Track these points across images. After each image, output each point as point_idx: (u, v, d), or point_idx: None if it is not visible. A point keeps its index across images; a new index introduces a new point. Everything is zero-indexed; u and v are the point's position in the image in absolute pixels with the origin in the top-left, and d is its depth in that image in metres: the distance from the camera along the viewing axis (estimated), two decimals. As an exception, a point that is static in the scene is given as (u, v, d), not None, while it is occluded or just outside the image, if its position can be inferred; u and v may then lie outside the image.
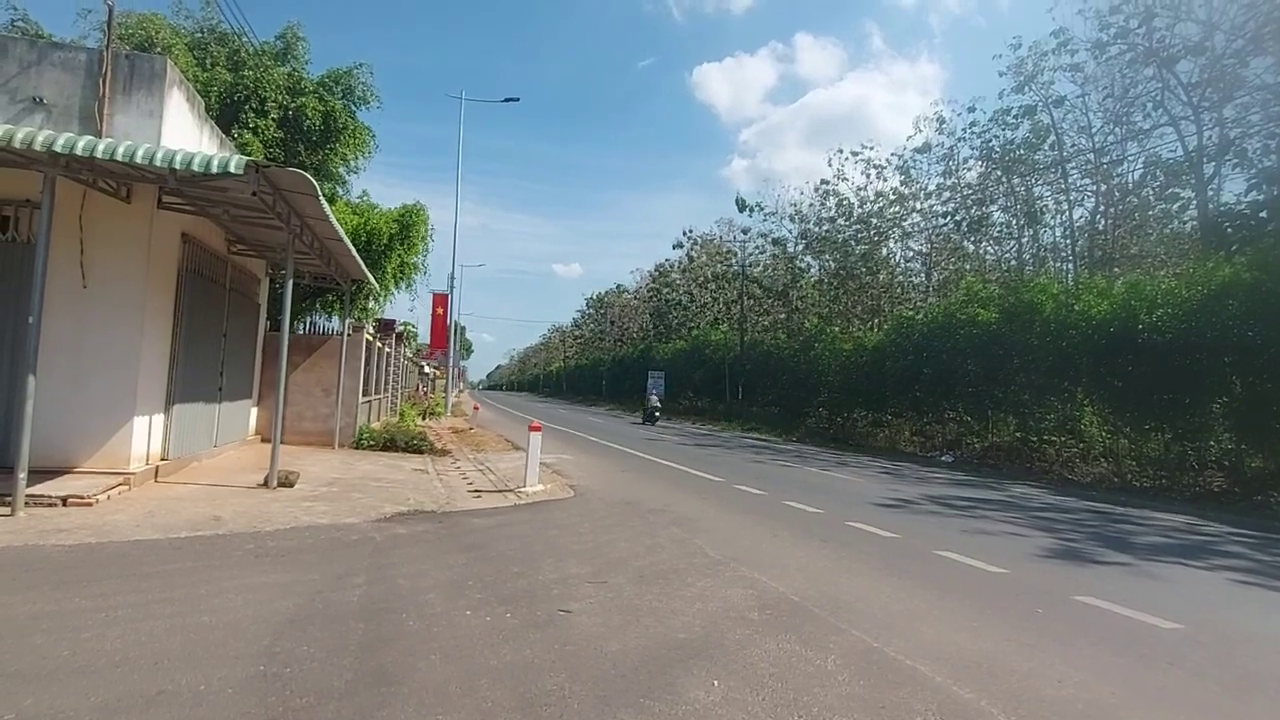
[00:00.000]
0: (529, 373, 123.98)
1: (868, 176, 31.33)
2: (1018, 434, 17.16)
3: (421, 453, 12.45)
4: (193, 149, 6.43)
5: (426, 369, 40.53)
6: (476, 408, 31.81)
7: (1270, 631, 4.70)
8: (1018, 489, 12.46)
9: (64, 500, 5.91)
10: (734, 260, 39.39)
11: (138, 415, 7.15)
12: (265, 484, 7.59)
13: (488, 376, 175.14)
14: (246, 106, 13.55)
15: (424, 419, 22.28)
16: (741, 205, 34.63)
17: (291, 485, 7.74)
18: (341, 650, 3.26)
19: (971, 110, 27.23)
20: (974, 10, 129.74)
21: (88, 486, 6.26)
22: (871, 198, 31.01)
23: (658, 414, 28.60)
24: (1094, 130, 23.92)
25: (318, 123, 14.24)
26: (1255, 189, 17.05)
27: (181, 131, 7.68)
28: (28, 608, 3.58)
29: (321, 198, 6.75)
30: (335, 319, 16.52)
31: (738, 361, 33.58)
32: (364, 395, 14.19)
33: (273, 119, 13.74)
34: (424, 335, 31.77)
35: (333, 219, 7.65)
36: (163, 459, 7.83)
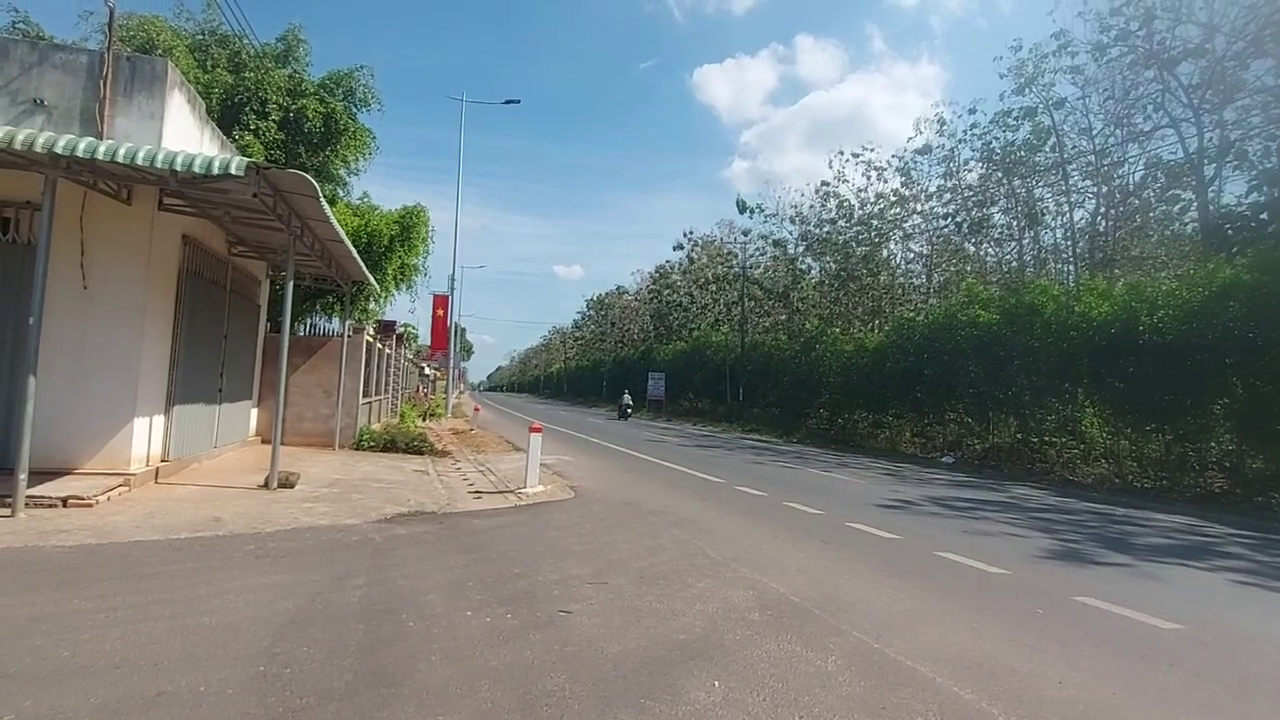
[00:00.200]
0: (529, 374, 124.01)
1: (868, 178, 31.39)
2: (1019, 435, 17.15)
3: (422, 454, 12.45)
4: (194, 151, 6.45)
5: (427, 370, 40.56)
6: (477, 409, 31.79)
7: (1271, 632, 4.69)
8: (1018, 490, 12.44)
9: (64, 501, 5.91)
10: (735, 262, 39.44)
11: (138, 416, 7.16)
12: (265, 485, 7.59)
13: (488, 378, 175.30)
14: (247, 108, 13.58)
15: (424, 420, 22.29)
16: (742, 207, 34.68)
17: (292, 486, 7.74)
18: (342, 651, 3.25)
19: (972, 112, 27.29)
20: (975, 12, 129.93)
21: (88, 487, 6.26)
22: (872, 199, 31.04)
23: (629, 410, 33.58)
24: (1095, 132, 23.94)
25: (318, 124, 14.26)
26: (1256, 191, 17.05)
27: (182, 133, 7.70)
28: (28, 609, 3.57)
29: (322, 199, 6.76)
30: (336, 320, 16.53)
31: (738, 363, 33.57)
32: (364, 396, 14.19)
33: (273, 121, 13.76)
34: (424, 337, 31.83)
35: (333, 220, 7.66)
36: (163, 460, 7.83)
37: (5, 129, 5.43)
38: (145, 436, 7.40)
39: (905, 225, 30.64)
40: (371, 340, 15.24)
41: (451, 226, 44.85)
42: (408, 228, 15.77)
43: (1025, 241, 27.13)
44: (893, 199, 30.46)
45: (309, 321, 16.41)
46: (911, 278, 31.80)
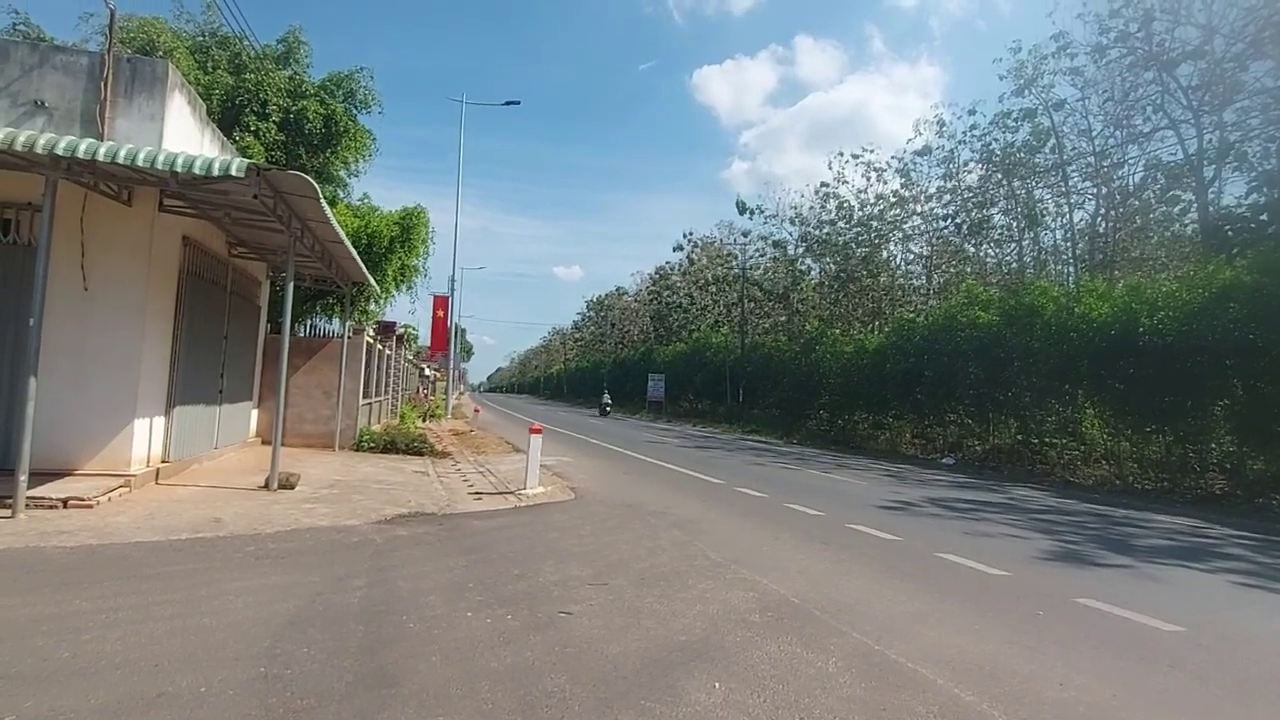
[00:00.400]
0: (529, 375, 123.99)
1: (868, 179, 31.41)
2: (1019, 436, 17.15)
3: (422, 455, 12.45)
4: (194, 152, 6.45)
5: (427, 371, 40.56)
6: (477, 410, 31.79)
7: (1271, 634, 4.69)
8: (1019, 491, 12.44)
9: (65, 502, 5.91)
10: (734, 263, 39.46)
11: (138, 417, 7.16)
12: (266, 486, 7.59)
13: (488, 379, 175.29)
14: (248, 110, 13.59)
15: (424, 421, 22.29)
16: (742, 208, 34.68)
17: (292, 487, 7.74)
18: (342, 652, 3.25)
19: (972, 113, 27.31)
20: (975, 13, 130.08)
21: (88, 488, 6.26)
22: (872, 200, 31.05)
23: (609, 408, 37.22)
24: (1094, 133, 23.96)
25: (319, 126, 14.27)
26: (1255, 192, 17.07)
27: (183, 135, 7.70)
28: (28, 610, 3.57)
29: (322, 200, 6.77)
30: (336, 321, 16.53)
31: (738, 364, 33.58)
32: (364, 397, 14.19)
33: (274, 122, 13.78)
34: (424, 338, 31.85)
35: (333, 222, 7.66)
36: (163, 461, 7.83)
37: (6, 130, 5.44)
38: (146, 437, 7.40)
39: (905, 226, 30.67)
40: (371, 341, 15.24)
41: (451, 227, 44.98)
42: (408, 229, 15.79)
43: (1025, 243, 27.15)
44: (892, 200, 30.47)
45: (309, 322, 16.42)
46: (911, 279, 31.81)
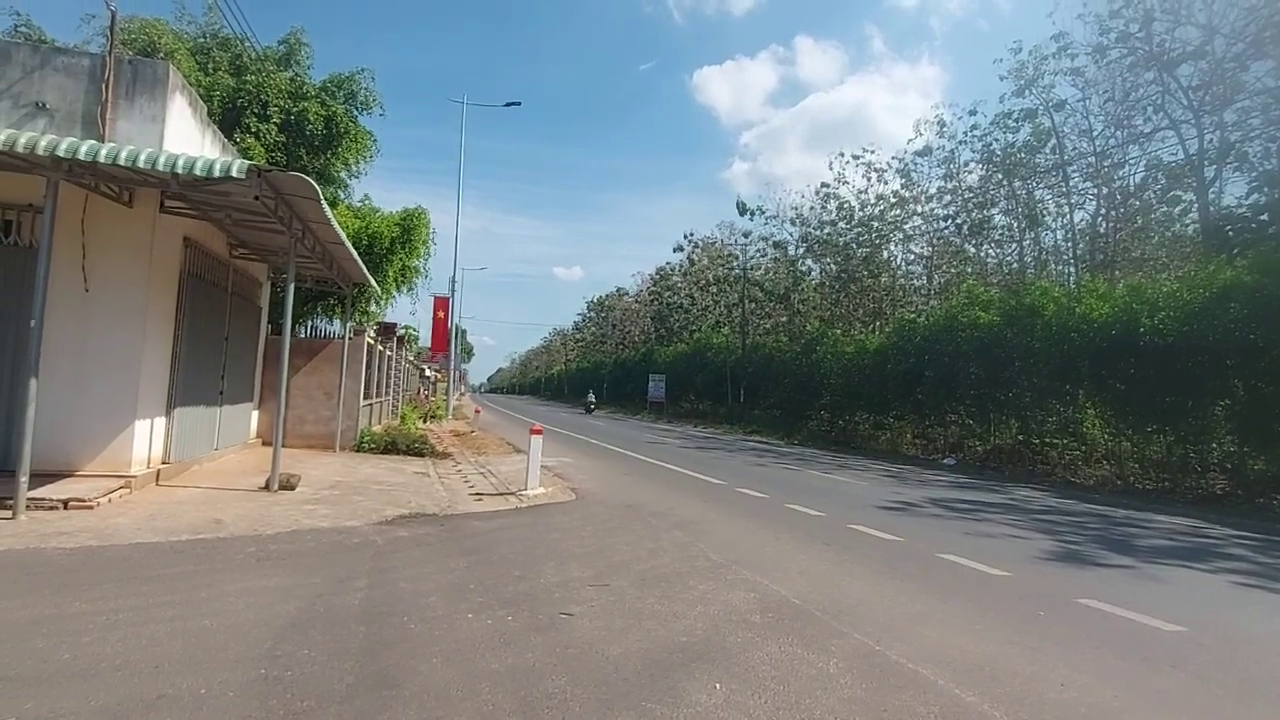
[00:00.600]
0: (530, 376, 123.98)
1: (868, 180, 31.41)
2: (1020, 437, 17.14)
3: (423, 456, 12.45)
4: (195, 153, 6.47)
5: (428, 372, 40.57)
6: (478, 411, 31.80)
7: (1272, 634, 4.68)
8: (1020, 492, 12.43)
9: (65, 503, 5.91)
10: (735, 263, 39.46)
11: (139, 419, 7.16)
12: (266, 487, 7.59)
13: (489, 380, 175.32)
14: (249, 111, 13.61)
15: (425, 422, 22.30)
16: (742, 208, 34.69)
17: (293, 488, 7.74)
18: (343, 654, 3.25)
19: (973, 113, 27.29)
20: (975, 13, 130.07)
21: (89, 490, 6.26)
22: (872, 201, 31.05)
23: (592, 406, 40.51)
24: (1095, 133, 23.94)
25: (320, 127, 14.29)
26: (1256, 192, 17.05)
27: (184, 136, 7.71)
28: (28, 611, 3.57)
29: (323, 201, 6.77)
30: (336, 322, 16.55)
31: (739, 364, 33.58)
32: (365, 398, 14.20)
33: (275, 123, 13.80)
34: (425, 339, 31.82)
35: (334, 223, 7.67)
36: (164, 462, 7.84)
37: (7, 132, 5.44)
38: (146, 439, 7.40)
39: (906, 227, 30.65)
40: (372, 342, 15.25)
41: (452, 228, 44.80)
42: (408, 230, 15.80)
43: (1026, 243, 27.13)
44: (893, 200, 30.47)
45: (310, 323, 16.43)
46: (912, 279, 31.80)
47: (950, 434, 19.75)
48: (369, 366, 14.67)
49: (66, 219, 6.59)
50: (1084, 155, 24.25)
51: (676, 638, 3.75)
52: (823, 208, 32.42)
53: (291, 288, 8.12)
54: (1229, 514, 11.03)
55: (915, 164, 29.94)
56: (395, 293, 16.89)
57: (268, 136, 13.57)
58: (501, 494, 8.62)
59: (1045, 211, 25.72)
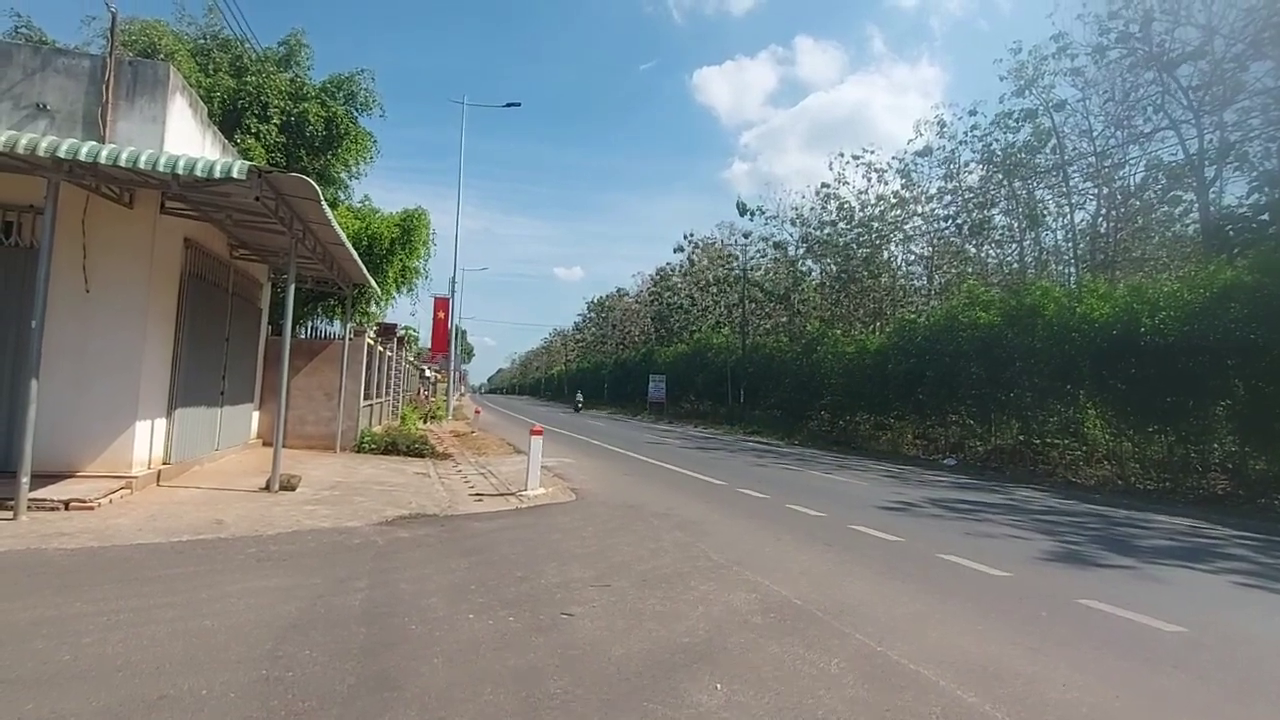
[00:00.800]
0: (530, 376, 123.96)
1: (869, 180, 31.41)
2: (1020, 437, 17.13)
3: (423, 456, 12.45)
4: (195, 154, 6.47)
5: (428, 373, 40.57)
6: (478, 411, 31.80)
7: (1273, 634, 4.68)
8: (1021, 492, 12.43)
9: (66, 504, 5.91)
10: (735, 264, 39.47)
11: (140, 419, 7.16)
12: (267, 488, 7.59)
13: (489, 380, 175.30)
14: (249, 112, 13.61)
15: (425, 423, 22.30)
16: (742, 209, 34.69)
17: (293, 489, 7.74)
18: (344, 654, 3.25)
19: (973, 114, 27.29)
20: (975, 13, 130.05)
21: (90, 490, 6.26)
22: (872, 201, 31.06)
23: (580, 405, 44.26)
24: (1095, 133, 23.94)
25: (320, 128, 14.29)
26: (1256, 192, 17.05)
27: (184, 137, 7.72)
28: (29, 612, 3.57)
29: (323, 202, 6.77)
30: (337, 323, 16.55)
31: (739, 365, 33.58)
32: (365, 399, 14.20)
33: (275, 124, 13.80)
34: (425, 339, 31.82)
35: (334, 223, 7.67)
36: (165, 463, 7.84)
37: (8, 133, 5.45)
38: (147, 439, 7.40)
39: (906, 227, 30.67)
40: (372, 343, 15.25)
41: (452, 229, 44.86)
42: (408, 230, 15.80)
43: (1026, 243, 27.13)
44: (893, 201, 30.48)
45: (310, 324, 16.44)
46: (912, 279, 31.81)
47: (951, 434, 19.74)
48: (369, 367, 14.67)
49: (67, 220, 6.59)
50: (1084, 155, 24.25)
51: (678, 638, 3.75)
52: (823, 208, 32.45)
53: (292, 288, 8.12)
54: (1230, 514, 11.03)
55: (915, 164, 29.98)
56: (395, 293, 16.90)
57: (268, 137, 13.57)
58: (502, 494, 8.62)
59: (1046, 211, 25.72)
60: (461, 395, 51.49)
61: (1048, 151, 25.13)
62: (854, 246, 30.55)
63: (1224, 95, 19.03)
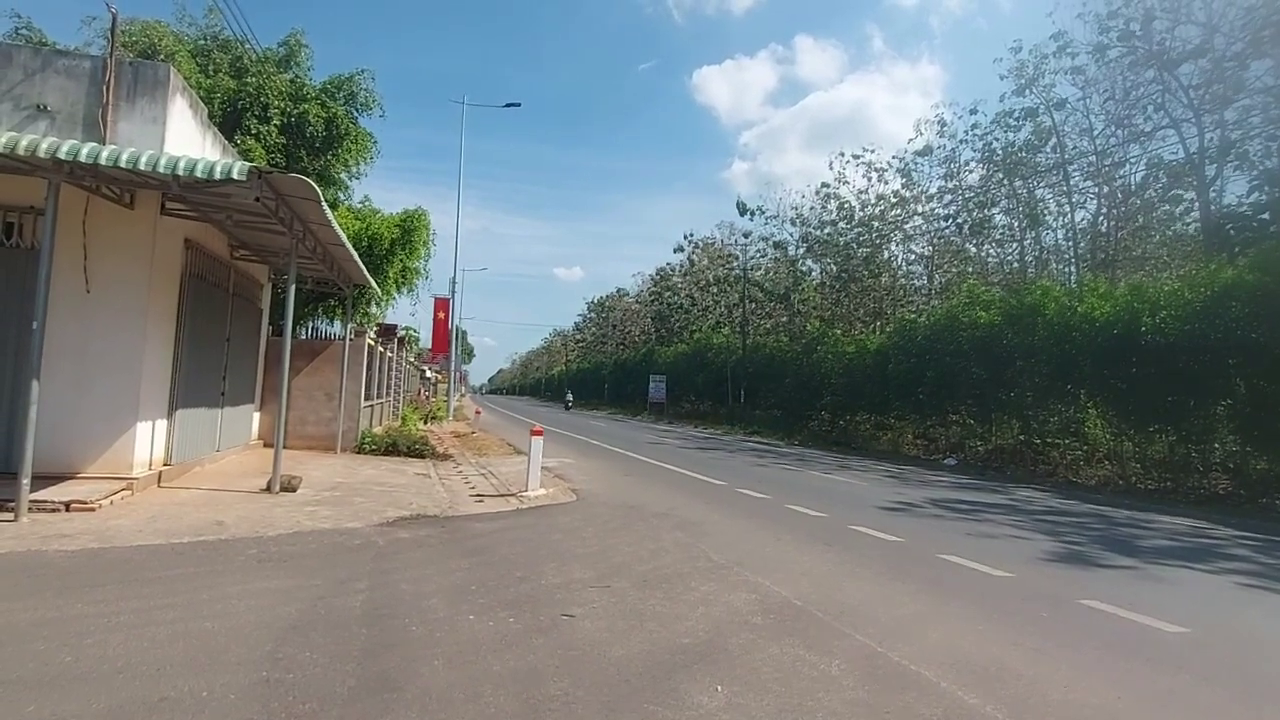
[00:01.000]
0: (531, 377, 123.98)
1: (869, 179, 31.42)
2: (1021, 437, 17.12)
3: (424, 457, 12.45)
4: (196, 155, 6.46)
5: (428, 373, 40.57)
6: (478, 412, 31.81)
7: (1277, 635, 4.67)
8: (1022, 492, 12.42)
9: (67, 505, 5.91)
10: (735, 264, 39.48)
11: (141, 420, 7.16)
12: (268, 489, 7.59)
13: (489, 380, 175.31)
14: (249, 113, 13.62)
15: (426, 423, 22.30)
16: (743, 209, 34.71)
17: (294, 490, 7.74)
18: (344, 656, 3.25)
19: (973, 113, 27.31)
20: (975, 12, 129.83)
21: (91, 492, 6.26)
22: (873, 201, 31.06)
23: (570, 404, 48.51)
24: (1096, 132, 23.95)
25: (320, 129, 14.30)
26: (1257, 190, 17.07)
27: (185, 138, 7.71)
28: (30, 614, 3.57)
29: (324, 203, 6.77)
30: (337, 324, 16.55)
31: (740, 365, 33.57)
32: (366, 400, 14.20)
33: (275, 125, 13.80)
34: (426, 340, 31.83)
35: (335, 224, 7.67)
36: (165, 464, 7.84)
37: (9, 134, 5.45)
38: (148, 440, 7.40)
39: (906, 226, 30.68)
40: (373, 343, 15.26)
41: (452, 229, 44.89)
42: (409, 231, 15.81)
43: (1027, 242, 27.14)
44: (893, 200, 30.49)
45: (311, 325, 16.44)
46: (913, 279, 31.82)
47: (951, 434, 19.73)
48: (370, 368, 14.67)
49: (68, 221, 6.59)
50: (1085, 154, 24.26)
51: (678, 639, 3.75)
52: (823, 208, 32.47)
53: (292, 289, 8.12)
54: (1232, 514, 11.01)
55: (916, 164, 29.99)
56: (396, 294, 16.90)
57: (268, 138, 13.58)
58: (502, 495, 8.62)
59: (1046, 211, 25.72)
60: (462, 396, 51.51)
61: (1048, 150, 25.15)
62: (854, 246, 30.55)
63: (1224, 94, 19.02)
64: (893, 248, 31.39)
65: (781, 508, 8.68)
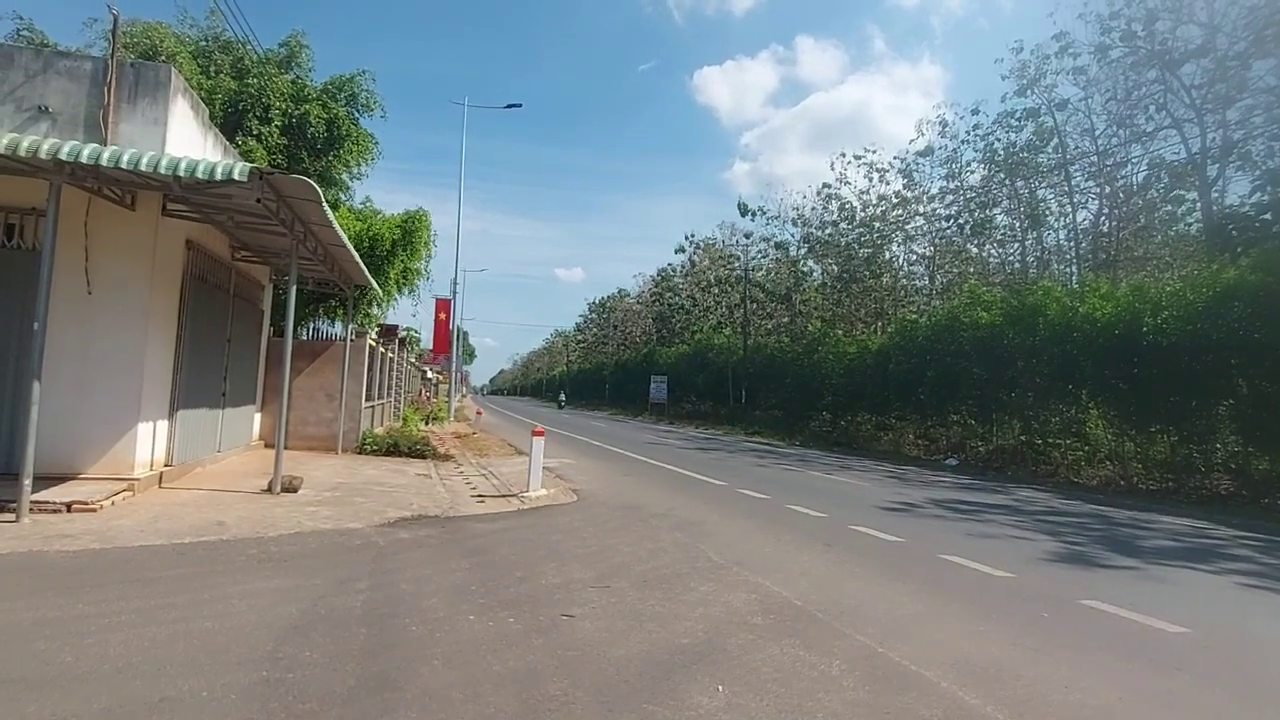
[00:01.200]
0: (532, 377, 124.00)
1: (870, 180, 31.41)
2: (1022, 437, 17.10)
3: (425, 457, 12.46)
4: (197, 156, 6.47)
5: (429, 374, 40.61)
6: (480, 413, 31.83)
7: (1278, 635, 4.66)
8: (1023, 492, 12.40)
9: (69, 506, 5.92)
10: (736, 264, 39.47)
11: (142, 421, 7.17)
12: (269, 489, 7.60)
13: (491, 381, 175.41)
14: (250, 114, 13.65)
15: (427, 424, 22.32)
16: (744, 209, 34.75)
17: (295, 490, 7.75)
18: (344, 656, 3.25)
19: (975, 113, 27.29)
20: (976, 12, 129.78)
21: (92, 492, 6.28)
22: (874, 201, 31.04)
23: (564, 402, 54.06)
24: (1097, 133, 23.93)
25: (321, 130, 14.32)
26: (1259, 191, 17.02)
27: (186, 139, 7.73)
28: (31, 614, 3.58)
29: (325, 204, 6.78)
30: (338, 324, 16.58)
31: (741, 365, 33.56)
32: (367, 400, 14.21)
33: (276, 126, 13.82)
34: (427, 340, 31.84)
35: (336, 225, 7.68)
36: (167, 464, 7.85)
37: (10, 136, 5.46)
38: (149, 441, 7.41)
39: (907, 227, 30.65)
40: (374, 344, 15.27)
41: (453, 230, 45.00)
42: (410, 232, 15.83)
43: (1028, 242, 27.11)
44: (895, 201, 30.46)
45: (312, 325, 16.46)
46: (914, 279, 31.80)
47: (952, 434, 19.71)
48: (371, 368, 14.68)
49: (69, 222, 6.61)
50: (1086, 154, 24.23)
51: (678, 639, 3.75)
52: (824, 208, 32.47)
53: (293, 290, 8.13)
54: (1234, 514, 10.99)
55: (917, 164, 29.98)
56: (397, 295, 16.93)
57: (270, 139, 13.60)
58: (503, 495, 8.62)
59: (1048, 211, 25.69)
60: (463, 396, 51.55)
61: (1050, 151, 25.12)
62: (855, 246, 30.54)
63: (1226, 94, 19.00)
64: (894, 248, 31.39)
65: (782, 508, 8.67)
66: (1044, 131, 24.78)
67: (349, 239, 9.33)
